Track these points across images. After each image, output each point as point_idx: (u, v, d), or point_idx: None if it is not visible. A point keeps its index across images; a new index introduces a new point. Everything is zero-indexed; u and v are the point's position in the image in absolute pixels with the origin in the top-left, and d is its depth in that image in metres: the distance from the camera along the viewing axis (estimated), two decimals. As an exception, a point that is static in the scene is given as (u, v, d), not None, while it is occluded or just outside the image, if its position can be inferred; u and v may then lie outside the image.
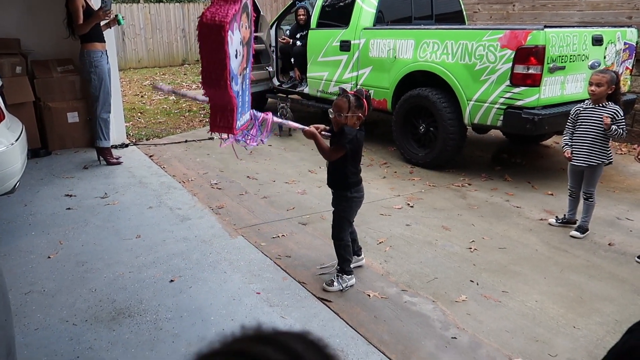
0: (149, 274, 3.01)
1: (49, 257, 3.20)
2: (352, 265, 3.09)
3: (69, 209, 3.98)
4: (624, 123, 3.49)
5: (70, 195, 4.25)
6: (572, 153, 3.64)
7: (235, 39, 2.41)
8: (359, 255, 3.14)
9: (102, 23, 4.89)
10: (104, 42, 4.90)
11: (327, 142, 2.86)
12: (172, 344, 2.38)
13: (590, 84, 3.53)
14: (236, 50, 2.45)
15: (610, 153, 3.61)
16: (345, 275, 2.91)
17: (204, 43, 2.28)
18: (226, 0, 2.32)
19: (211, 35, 2.25)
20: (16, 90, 5.00)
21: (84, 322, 2.54)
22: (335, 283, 2.89)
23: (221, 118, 2.56)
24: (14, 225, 3.68)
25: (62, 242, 3.41)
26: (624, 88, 5.38)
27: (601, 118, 3.49)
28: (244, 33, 2.54)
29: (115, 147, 5.57)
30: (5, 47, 5.21)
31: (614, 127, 3.44)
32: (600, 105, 3.54)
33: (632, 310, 2.75)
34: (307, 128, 2.77)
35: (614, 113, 3.48)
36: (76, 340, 2.39)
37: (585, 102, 3.64)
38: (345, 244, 2.92)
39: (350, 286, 2.91)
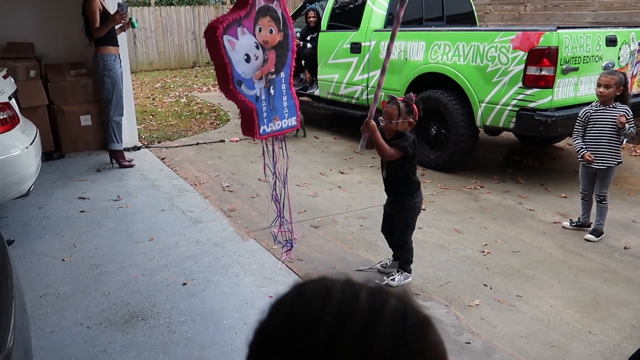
0: (162, 277, 3.02)
1: (63, 260, 3.23)
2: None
3: (82, 211, 4.01)
4: (633, 123, 3.47)
5: (84, 198, 4.29)
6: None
7: (243, 43, 2.42)
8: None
9: (116, 27, 4.94)
10: (118, 46, 4.95)
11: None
12: (185, 348, 2.39)
13: (599, 85, 3.50)
14: (247, 55, 2.45)
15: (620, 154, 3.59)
16: (405, 273, 3.00)
17: (208, 48, 2.38)
18: (237, 7, 2.35)
19: (209, 41, 2.33)
20: (30, 94, 5.06)
21: (98, 325, 2.56)
22: (396, 278, 2.98)
23: (246, 122, 2.58)
24: (29, 227, 3.72)
25: (76, 245, 3.44)
26: (639, 89, 5.31)
27: (615, 119, 3.45)
28: (266, 37, 2.52)
29: (128, 149, 5.61)
30: (19, 51, 5.28)
31: (627, 125, 3.41)
32: (610, 106, 3.50)
33: (649, 316, 2.71)
34: (371, 121, 2.73)
35: (626, 112, 3.45)
36: (90, 343, 2.41)
37: (594, 104, 3.60)
38: (410, 246, 3.00)
39: (407, 283, 3.00)
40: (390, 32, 2.65)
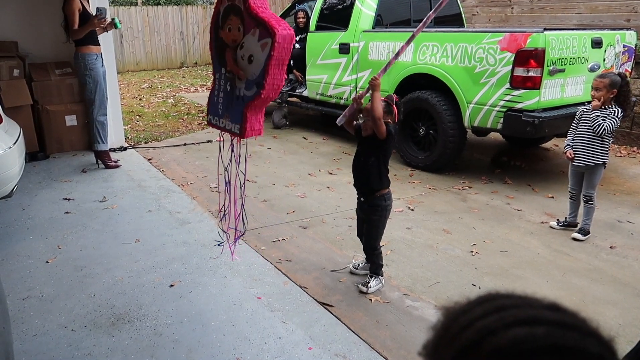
0: (148, 279, 2.98)
1: (47, 262, 3.17)
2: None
3: (67, 212, 3.95)
4: (612, 122, 3.46)
5: (69, 199, 4.22)
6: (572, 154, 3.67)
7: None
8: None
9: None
10: (99, 45, 4.88)
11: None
12: (172, 350, 2.35)
13: (592, 88, 3.56)
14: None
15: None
16: (379, 277, 2.95)
17: (281, 55, 2.34)
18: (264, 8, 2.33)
19: (286, 48, 2.30)
20: (14, 94, 4.97)
21: (83, 327, 2.51)
22: (371, 284, 2.91)
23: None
24: (12, 229, 3.65)
25: (60, 247, 3.38)
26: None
27: (598, 119, 3.49)
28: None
29: (114, 150, 5.54)
30: (2, 50, 5.18)
31: (595, 114, 3.47)
32: (603, 107, 3.53)
33: (635, 314, 2.74)
34: (379, 79, 2.76)
35: (610, 113, 3.48)
36: (75, 347, 2.36)
37: (590, 104, 3.65)
38: (379, 252, 2.95)
39: (380, 287, 2.95)
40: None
